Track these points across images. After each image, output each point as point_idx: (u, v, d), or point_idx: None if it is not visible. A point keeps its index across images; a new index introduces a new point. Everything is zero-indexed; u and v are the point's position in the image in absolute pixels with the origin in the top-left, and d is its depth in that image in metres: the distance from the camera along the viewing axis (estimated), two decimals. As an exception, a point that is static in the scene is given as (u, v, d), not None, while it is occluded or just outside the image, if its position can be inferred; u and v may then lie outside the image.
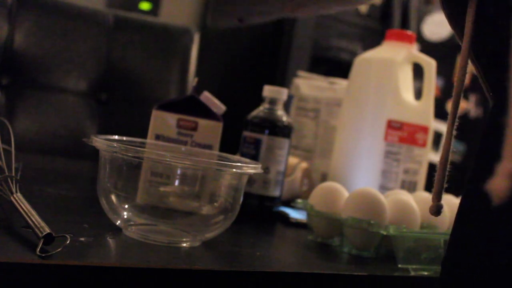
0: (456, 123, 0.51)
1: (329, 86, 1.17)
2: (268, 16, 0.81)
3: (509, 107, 0.38)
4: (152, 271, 0.52)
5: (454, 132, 0.51)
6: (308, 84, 1.19)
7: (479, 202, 0.46)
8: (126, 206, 0.61)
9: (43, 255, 0.49)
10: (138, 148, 0.60)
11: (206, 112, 0.77)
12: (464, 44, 0.49)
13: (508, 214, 0.43)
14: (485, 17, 0.48)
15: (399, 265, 0.70)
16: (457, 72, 0.51)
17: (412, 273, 0.68)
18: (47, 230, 0.51)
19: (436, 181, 0.51)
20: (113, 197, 0.61)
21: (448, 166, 0.51)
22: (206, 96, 0.80)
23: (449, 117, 0.51)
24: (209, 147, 0.76)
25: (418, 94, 1.03)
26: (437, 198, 0.51)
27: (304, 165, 1.02)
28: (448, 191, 0.90)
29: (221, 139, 0.77)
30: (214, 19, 0.74)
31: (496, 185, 0.36)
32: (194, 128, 0.76)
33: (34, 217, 0.53)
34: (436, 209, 0.51)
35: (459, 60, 0.50)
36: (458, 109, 0.51)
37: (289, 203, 0.89)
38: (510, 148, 0.37)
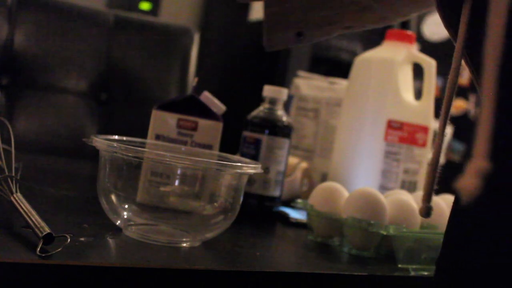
0: (446, 126, 0.51)
1: (329, 86, 1.17)
2: (329, 29, 0.71)
3: (482, 106, 0.38)
4: (152, 271, 0.52)
5: (445, 134, 0.51)
6: (308, 84, 1.19)
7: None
8: (126, 206, 0.61)
9: (43, 255, 0.49)
10: (138, 148, 0.60)
11: (206, 112, 0.77)
12: (458, 45, 0.50)
13: (482, 214, 0.44)
14: (479, 18, 0.48)
15: (399, 265, 0.70)
16: (450, 73, 0.51)
17: (412, 273, 0.68)
18: (47, 230, 0.51)
19: (425, 183, 0.51)
20: (113, 197, 0.61)
21: (439, 167, 0.51)
22: (206, 96, 0.80)
23: (440, 118, 0.51)
24: (209, 147, 0.76)
25: (418, 94, 1.03)
26: (427, 200, 0.51)
27: (304, 165, 1.02)
28: (448, 191, 0.90)
29: (221, 139, 0.77)
30: (270, 40, 0.67)
31: (465, 183, 0.36)
32: (194, 128, 0.76)
33: (34, 217, 0.53)
34: (426, 211, 0.51)
35: (452, 62, 0.50)
36: (449, 112, 0.50)
37: (289, 203, 0.89)
38: (480, 146, 0.37)
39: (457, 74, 0.49)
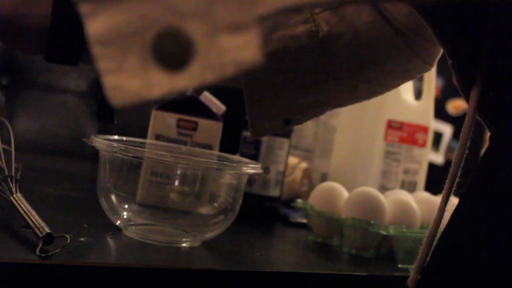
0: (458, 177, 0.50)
1: (329, 86, 1.17)
2: (318, 111, 0.69)
3: None
4: (152, 271, 0.52)
5: (446, 210, 0.50)
6: (308, 84, 1.19)
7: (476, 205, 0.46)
8: (126, 206, 0.61)
9: (43, 255, 0.49)
10: (138, 148, 0.60)
11: (206, 112, 0.77)
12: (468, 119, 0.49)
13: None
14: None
15: (399, 265, 0.70)
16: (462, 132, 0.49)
17: (412, 273, 0.68)
18: (47, 230, 0.51)
19: (433, 222, 0.50)
20: (113, 197, 0.61)
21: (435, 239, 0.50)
22: (206, 96, 0.79)
23: (451, 169, 0.50)
24: (209, 147, 0.76)
25: (418, 94, 1.03)
26: (417, 272, 0.50)
27: (304, 165, 1.02)
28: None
29: (221, 139, 0.77)
30: (256, 129, 0.64)
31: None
32: (194, 128, 0.76)
33: (34, 217, 0.53)
34: (415, 283, 0.50)
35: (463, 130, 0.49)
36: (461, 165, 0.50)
37: (289, 203, 0.89)
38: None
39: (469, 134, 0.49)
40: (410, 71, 0.68)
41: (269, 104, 0.66)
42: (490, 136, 0.49)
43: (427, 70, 0.68)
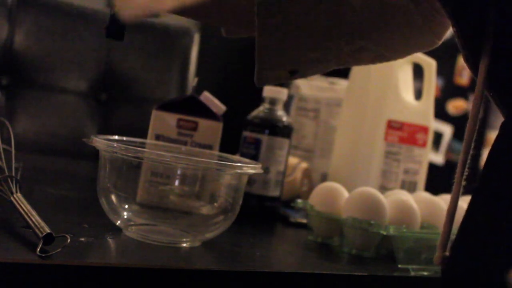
0: (466, 170, 0.49)
1: (329, 86, 1.17)
2: (324, 66, 0.68)
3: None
4: (152, 271, 0.52)
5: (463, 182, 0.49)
6: (308, 84, 1.19)
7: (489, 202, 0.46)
8: (126, 206, 0.61)
9: (43, 255, 0.49)
10: (138, 148, 0.60)
11: (206, 112, 0.77)
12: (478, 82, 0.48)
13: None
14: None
15: (399, 265, 0.70)
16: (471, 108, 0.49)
17: (412, 273, 0.68)
18: (47, 230, 0.51)
19: (442, 232, 0.50)
20: (113, 197, 0.61)
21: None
22: (206, 96, 0.80)
23: (459, 164, 0.49)
24: (209, 147, 0.76)
25: (418, 94, 1.03)
26: (442, 249, 0.50)
27: (304, 165, 1.02)
28: (448, 191, 0.90)
29: (221, 139, 0.77)
30: (261, 76, 0.63)
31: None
32: (194, 128, 0.76)
33: (34, 217, 0.53)
34: (442, 260, 0.50)
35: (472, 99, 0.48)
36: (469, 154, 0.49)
37: (289, 203, 0.89)
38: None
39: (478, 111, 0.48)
40: (420, 40, 0.68)
41: (276, 52, 0.65)
42: (502, 123, 0.48)
43: (436, 44, 0.67)
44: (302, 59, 0.66)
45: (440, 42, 0.67)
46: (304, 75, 0.69)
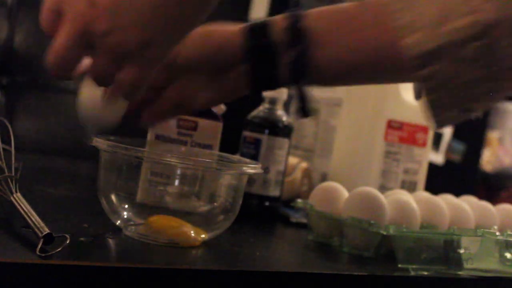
0: None
1: (329, 86, 1.17)
2: (496, 97, 0.66)
3: None
4: (152, 271, 0.52)
5: None
6: (308, 84, 1.19)
7: None
8: (126, 206, 0.61)
9: (43, 255, 0.49)
10: (138, 148, 0.60)
11: (206, 112, 0.77)
12: None
13: None
14: None
15: (399, 265, 0.70)
16: None
17: (412, 273, 0.68)
18: (47, 230, 0.51)
19: None
20: (113, 197, 0.61)
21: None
22: (206, 96, 0.79)
23: None
24: (209, 147, 0.76)
25: (418, 94, 1.02)
26: None
27: (304, 165, 1.02)
28: (448, 191, 0.90)
29: (221, 139, 0.77)
30: (438, 120, 0.63)
31: None
32: (194, 128, 0.76)
33: (34, 217, 0.53)
34: None
35: None
36: None
37: (289, 203, 0.89)
38: None
39: None
40: None
41: (446, 97, 0.65)
42: None
43: None
44: (473, 95, 0.65)
45: None
46: (478, 111, 0.68)
